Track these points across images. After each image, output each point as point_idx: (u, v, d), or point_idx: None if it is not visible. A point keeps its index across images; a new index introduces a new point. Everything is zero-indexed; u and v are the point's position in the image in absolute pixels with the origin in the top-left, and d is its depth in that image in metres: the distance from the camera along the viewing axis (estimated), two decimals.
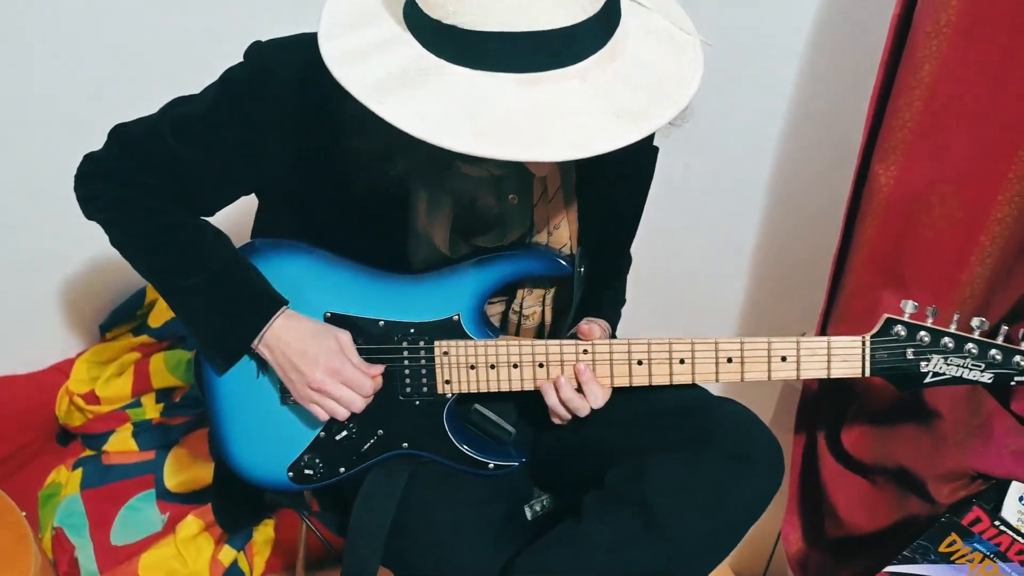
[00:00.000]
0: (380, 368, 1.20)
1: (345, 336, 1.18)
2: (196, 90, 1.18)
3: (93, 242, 1.22)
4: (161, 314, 2.01)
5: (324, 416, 1.18)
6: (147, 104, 1.20)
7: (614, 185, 1.23)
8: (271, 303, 1.18)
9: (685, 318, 1.94)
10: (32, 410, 2.01)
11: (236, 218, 1.30)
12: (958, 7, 1.21)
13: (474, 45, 0.89)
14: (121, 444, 1.95)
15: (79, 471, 1.91)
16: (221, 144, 1.15)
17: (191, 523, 1.79)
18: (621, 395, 1.22)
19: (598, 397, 1.19)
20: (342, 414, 1.17)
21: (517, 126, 0.88)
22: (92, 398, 1.98)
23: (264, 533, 1.82)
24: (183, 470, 1.89)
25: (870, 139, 1.37)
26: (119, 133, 1.20)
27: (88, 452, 1.97)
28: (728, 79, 1.55)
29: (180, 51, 1.69)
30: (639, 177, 1.28)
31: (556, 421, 1.24)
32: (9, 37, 1.68)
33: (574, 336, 1.24)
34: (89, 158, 1.21)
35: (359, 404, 1.18)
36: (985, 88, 1.25)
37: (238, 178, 1.19)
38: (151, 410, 1.97)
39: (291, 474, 1.27)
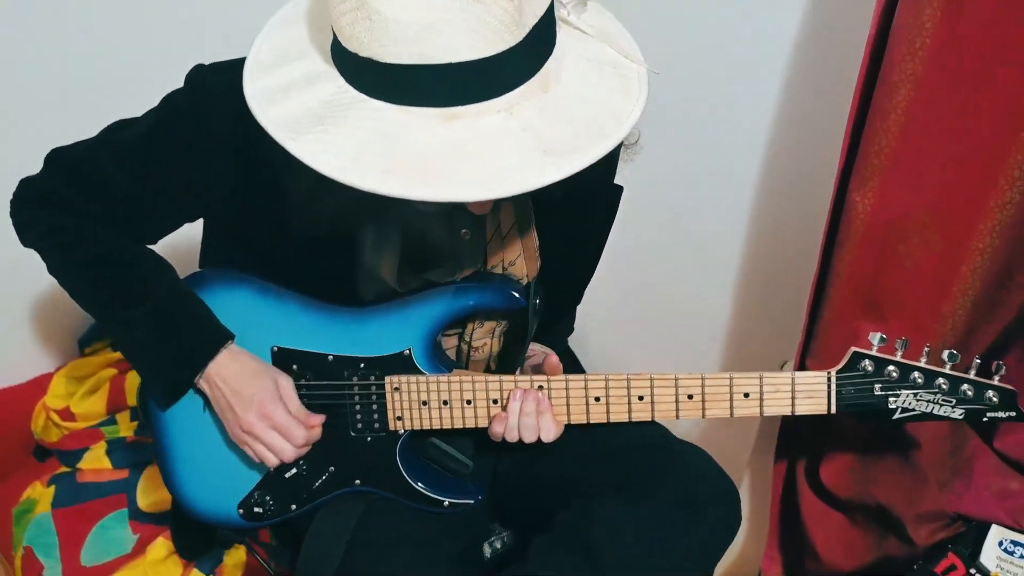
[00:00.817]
0: (319, 418, 1.17)
1: (286, 381, 1.15)
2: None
3: None
4: None
5: (256, 458, 1.15)
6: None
7: (572, 222, 1.19)
8: (215, 338, 1.14)
9: (668, 342, 1.89)
10: (9, 425, 1.99)
11: (185, 244, 1.26)
12: (933, 30, 1.15)
13: (391, 78, 0.85)
14: (95, 462, 1.92)
15: (52, 488, 1.89)
16: (159, 171, 1.11)
17: (160, 545, 1.75)
18: (580, 430, 1.18)
19: (550, 431, 1.14)
20: (271, 460, 1.14)
21: (430, 163, 0.84)
22: (67, 414, 1.96)
23: (235, 557, 1.78)
24: (157, 489, 1.86)
25: (847, 164, 1.32)
26: (57, 157, 1.15)
27: (63, 469, 1.94)
28: (705, 102, 1.51)
29: (152, 61, 1.66)
30: (600, 216, 1.23)
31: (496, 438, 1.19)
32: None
33: (532, 369, 1.20)
34: (26, 183, 1.16)
35: (289, 453, 1.14)
36: (962, 113, 1.20)
37: (177, 206, 1.15)
38: (125, 428, 1.94)
39: (241, 511, 1.24)
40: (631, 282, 1.67)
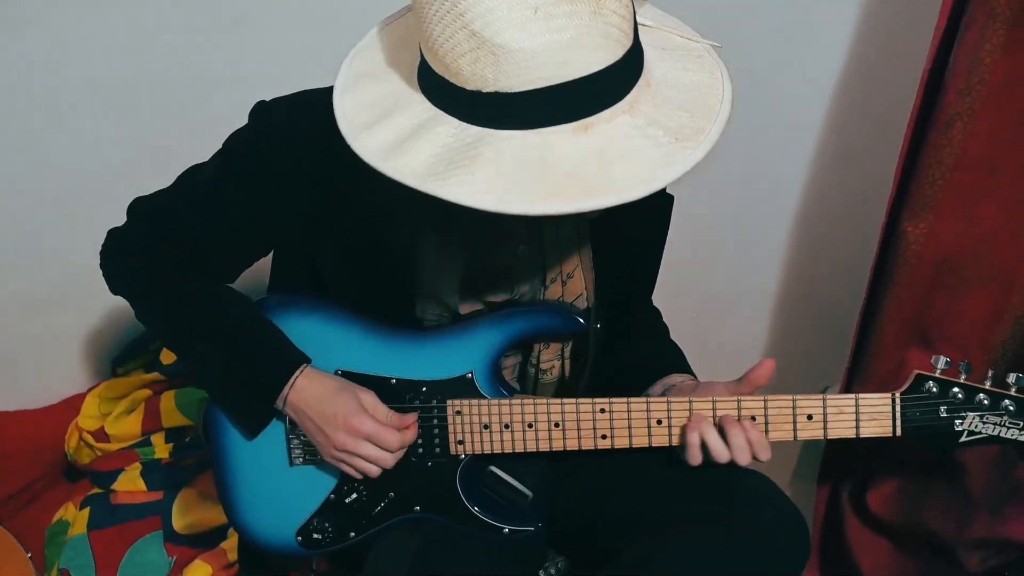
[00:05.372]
0: (412, 417, 1.16)
1: (367, 394, 1.15)
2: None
3: None
4: None
5: (358, 476, 1.16)
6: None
7: (628, 232, 1.19)
8: (286, 366, 1.15)
9: (706, 364, 1.89)
10: (42, 446, 1.99)
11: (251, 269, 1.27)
12: (992, 66, 1.17)
13: (520, 106, 0.85)
14: (129, 483, 1.91)
15: (87, 510, 1.88)
16: (230, 213, 1.14)
17: (198, 567, 1.75)
18: (642, 461, 1.18)
19: (763, 448, 1.10)
20: (373, 471, 1.15)
21: (583, 177, 0.84)
22: (101, 435, 1.95)
23: None
24: (191, 511, 1.86)
25: (898, 195, 1.33)
26: (137, 207, 1.21)
27: (96, 490, 1.94)
28: (758, 129, 1.51)
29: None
30: (654, 224, 1.24)
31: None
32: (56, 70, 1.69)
33: (594, 392, 1.19)
34: (112, 234, 1.21)
35: (388, 460, 1.14)
36: (1018, 147, 1.21)
37: (250, 244, 1.19)
38: (161, 449, 1.94)
39: (300, 538, 1.23)
40: (672, 301, 1.66)
